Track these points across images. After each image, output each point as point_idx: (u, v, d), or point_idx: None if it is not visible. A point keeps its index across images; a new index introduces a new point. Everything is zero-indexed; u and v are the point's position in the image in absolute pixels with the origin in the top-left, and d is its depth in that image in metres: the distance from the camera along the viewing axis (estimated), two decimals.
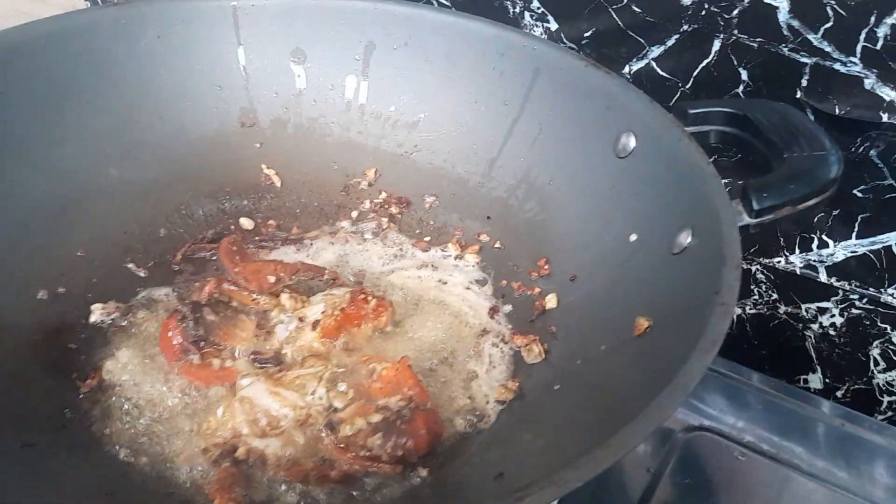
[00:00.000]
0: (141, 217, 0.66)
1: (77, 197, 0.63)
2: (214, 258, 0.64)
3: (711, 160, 0.52)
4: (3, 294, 0.54)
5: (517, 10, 0.85)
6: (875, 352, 0.84)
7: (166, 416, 0.49)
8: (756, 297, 0.89)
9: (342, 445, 0.46)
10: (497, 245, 0.67)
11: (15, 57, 0.62)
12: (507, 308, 0.62)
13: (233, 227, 0.69)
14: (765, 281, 0.88)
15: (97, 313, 0.58)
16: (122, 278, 0.62)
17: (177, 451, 0.47)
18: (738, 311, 0.91)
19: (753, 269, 0.87)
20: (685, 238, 0.50)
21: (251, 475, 0.46)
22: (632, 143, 0.59)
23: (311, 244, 0.67)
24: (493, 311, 0.61)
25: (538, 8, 0.86)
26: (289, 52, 0.74)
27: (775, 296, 0.88)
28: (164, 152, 0.69)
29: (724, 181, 0.51)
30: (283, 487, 0.45)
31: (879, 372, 0.85)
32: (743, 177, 0.75)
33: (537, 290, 0.61)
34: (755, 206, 0.49)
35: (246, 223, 0.69)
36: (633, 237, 0.56)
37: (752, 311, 0.90)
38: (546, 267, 0.62)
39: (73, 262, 0.61)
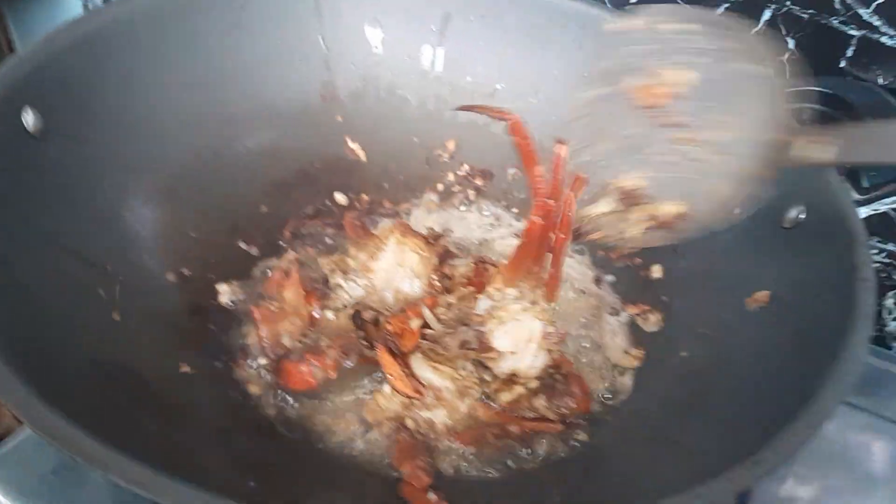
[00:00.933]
0: (240, 194, 0.67)
1: (177, 176, 0.63)
2: (323, 233, 0.66)
3: None
4: (141, 280, 0.55)
5: None
6: (889, 301, 0.91)
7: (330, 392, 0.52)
8: None
9: (505, 411, 0.50)
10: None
11: (111, 34, 0.60)
12: (610, 278, 0.66)
13: (328, 202, 0.70)
14: None
15: (225, 295, 0.59)
16: (236, 257, 0.63)
17: (348, 428, 0.50)
18: None
19: None
20: (797, 213, 0.54)
21: (428, 444, 0.49)
22: None
23: (409, 215, 0.69)
24: (598, 281, 0.65)
25: None
26: (366, 21, 0.74)
27: None
28: (253, 128, 0.69)
29: None
30: (461, 453, 0.49)
31: (892, 320, 0.93)
32: None
33: (638, 260, 0.65)
34: (864, 184, 0.53)
35: (340, 198, 0.71)
36: (737, 210, 0.60)
37: None
38: None
39: (189, 243, 0.61)
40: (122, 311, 0.52)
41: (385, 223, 0.67)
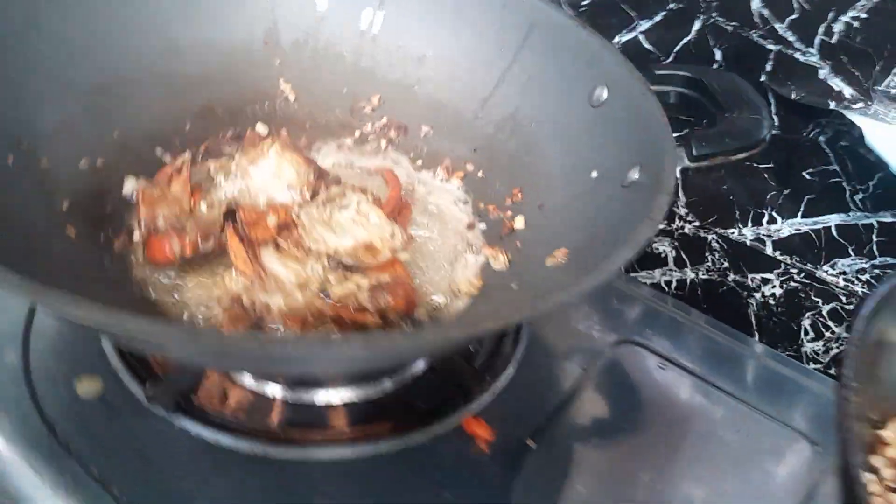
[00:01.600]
0: (170, 110, 0.74)
1: (115, 83, 0.71)
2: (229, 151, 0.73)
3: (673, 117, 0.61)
4: (55, 160, 0.63)
5: None
6: (806, 322, 0.94)
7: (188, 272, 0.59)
8: (709, 263, 0.99)
9: (335, 303, 0.56)
10: (480, 174, 0.77)
11: None
12: (482, 226, 0.72)
13: (249, 130, 0.78)
14: (718, 250, 0.97)
15: (129, 185, 0.66)
16: (150, 161, 0.71)
17: (195, 298, 0.57)
18: (692, 275, 1.01)
19: (710, 237, 0.97)
20: (634, 174, 0.60)
21: (259, 322, 0.56)
22: (604, 94, 0.68)
23: (318, 152, 0.76)
24: (470, 227, 0.71)
25: None
26: None
27: (726, 264, 0.97)
28: (195, 55, 0.77)
29: (676, 134, 0.61)
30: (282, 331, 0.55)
31: (808, 341, 0.96)
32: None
33: (509, 213, 0.72)
34: (694, 152, 0.59)
35: (261, 128, 0.78)
36: (595, 174, 0.66)
37: (704, 277, 1.00)
38: (519, 195, 0.72)
39: (109, 141, 0.69)
40: (20, 178, 0.59)
41: None
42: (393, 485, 0.55)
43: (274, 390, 0.61)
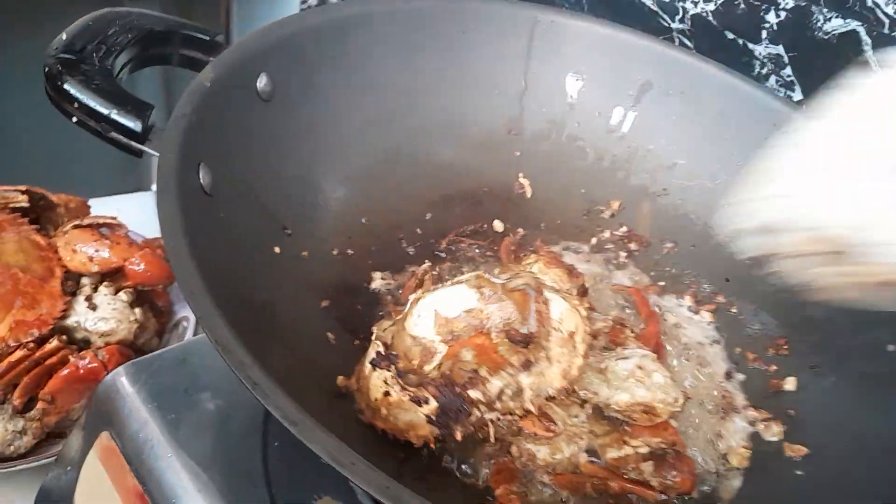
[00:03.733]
0: (412, 198, 0.72)
1: (367, 167, 0.69)
2: (474, 251, 0.69)
3: None
4: (311, 247, 0.61)
5: (765, 71, 0.86)
6: None
7: None
8: None
9: (609, 468, 0.51)
10: (733, 310, 0.70)
11: (347, 25, 0.68)
12: (741, 377, 0.65)
13: (485, 226, 0.74)
14: None
15: (377, 282, 0.64)
16: (394, 252, 0.68)
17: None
18: None
19: None
20: None
21: (526, 474, 0.51)
22: None
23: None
24: (728, 376, 0.64)
25: (789, 75, 0.87)
26: (569, 71, 0.78)
27: None
28: (439, 141, 0.75)
29: None
30: (556, 496, 0.50)
31: None
32: None
33: (773, 367, 0.64)
34: None
35: (498, 226, 0.74)
36: (892, 347, 0.58)
37: None
38: (785, 347, 0.65)
39: (358, 228, 0.67)
40: (286, 269, 0.57)
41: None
42: None
43: None
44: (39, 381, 0.65)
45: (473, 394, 0.50)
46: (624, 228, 0.77)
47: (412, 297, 0.55)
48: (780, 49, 0.85)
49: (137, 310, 0.72)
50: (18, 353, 0.62)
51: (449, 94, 0.75)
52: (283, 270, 0.57)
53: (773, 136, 0.72)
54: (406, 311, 0.55)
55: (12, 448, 0.64)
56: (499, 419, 0.51)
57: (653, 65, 0.77)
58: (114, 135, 0.53)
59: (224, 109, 0.55)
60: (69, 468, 0.61)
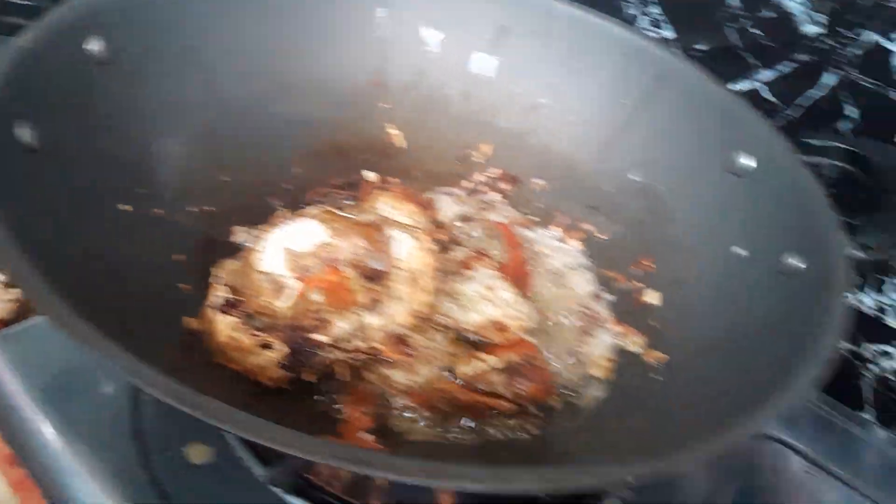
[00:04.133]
0: (279, 155, 0.72)
1: (226, 125, 0.68)
2: (339, 202, 0.70)
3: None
4: (167, 205, 0.61)
5: (634, 11, 0.88)
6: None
7: None
8: None
9: (463, 383, 0.52)
10: (602, 236, 0.72)
11: None
12: (610, 297, 0.67)
13: (357, 178, 0.74)
14: None
15: (239, 235, 0.64)
16: (260, 207, 0.67)
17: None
18: None
19: None
20: (792, 260, 0.55)
21: (383, 397, 0.52)
22: (749, 163, 0.63)
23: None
24: (596, 298, 0.66)
25: (657, 14, 0.89)
26: (426, 23, 0.79)
27: None
28: (303, 99, 0.74)
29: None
30: (409, 415, 0.51)
31: None
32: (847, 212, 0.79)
33: (639, 284, 0.67)
34: (865, 241, 0.54)
35: (370, 176, 0.74)
36: (741, 251, 0.61)
37: None
38: (651, 265, 0.67)
39: (220, 186, 0.66)
40: (135, 226, 0.57)
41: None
42: None
43: None
44: None
45: (319, 337, 0.51)
46: (496, 170, 0.78)
47: (254, 233, 0.55)
48: None
49: (12, 290, 0.71)
50: None
51: (308, 53, 0.75)
52: (131, 227, 0.56)
53: (628, 69, 0.75)
54: (251, 247, 0.55)
55: None
56: (348, 357, 0.52)
57: (505, 8, 0.78)
58: None
59: (49, 70, 0.54)
60: None
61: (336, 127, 0.76)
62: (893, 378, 0.88)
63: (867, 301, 0.88)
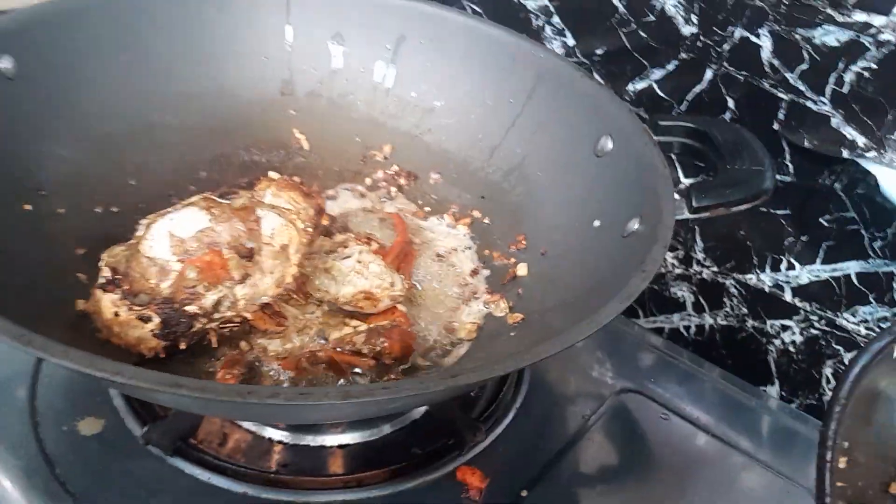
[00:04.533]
0: (185, 159, 0.77)
1: (129, 132, 0.73)
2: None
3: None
4: (72, 207, 0.66)
5: (540, 23, 0.95)
6: (828, 371, 0.92)
7: None
8: (728, 309, 0.98)
9: (331, 347, 0.57)
10: (486, 220, 0.78)
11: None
12: (486, 272, 0.73)
13: (262, 178, 0.80)
14: (736, 295, 0.96)
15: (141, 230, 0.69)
16: (163, 207, 0.73)
17: None
18: (711, 321, 1.00)
19: (728, 283, 0.96)
20: (634, 224, 0.60)
21: (254, 363, 0.57)
22: (609, 145, 0.69)
23: (330, 199, 0.78)
24: (474, 273, 0.72)
25: (559, 23, 0.96)
26: (330, 34, 0.85)
27: (745, 310, 0.96)
28: (209, 106, 0.80)
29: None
30: (275, 376, 0.56)
31: (830, 390, 0.93)
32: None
33: (512, 260, 0.72)
34: (694, 204, 0.59)
35: (274, 175, 0.80)
36: (597, 223, 0.66)
37: (723, 323, 0.98)
38: (523, 242, 0.73)
39: (125, 188, 0.72)
40: (37, 223, 0.62)
41: None
42: None
43: (272, 433, 0.62)
44: None
45: (191, 308, 0.56)
46: (395, 167, 0.84)
47: (144, 223, 0.61)
48: (546, 0, 0.94)
49: None
50: None
51: (216, 64, 0.81)
52: (34, 223, 0.62)
53: (514, 70, 0.81)
54: (140, 235, 0.60)
55: None
56: (220, 327, 0.57)
57: (403, 18, 0.84)
58: None
59: None
60: None
61: (244, 132, 0.82)
62: (793, 349, 0.92)
63: (766, 280, 0.93)
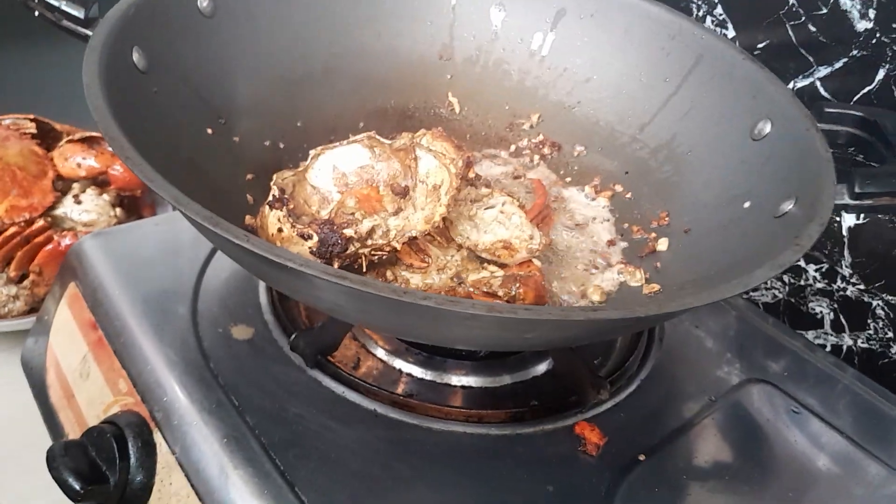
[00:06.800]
0: (348, 109, 0.82)
1: (307, 77, 0.80)
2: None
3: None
4: (246, 137, 0.72)
5: (701, 13, 0.93)
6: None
7: None
8: (871, 331, 0.92)
9: (468, 287, 0.60)
10: (628, 195, 0.78)
11: None
12: (623, 244, 0.73)
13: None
14: (883, 318, 0.91)
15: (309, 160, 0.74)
16: None
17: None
18: (850, 342, 0.94)
19: (875, 303, 0.91)
20: (788, 205, 0.58)
21: None
22: (767, 128, 0.67)
23: (479, 163, 0.81)
24: (611, 243, 0.72)
25: (720, 14, 0.94)
26: (493, 3, 0.88)
27: (890, 334, 0.90)
28: (376, 62, 0.85)
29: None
30: None
31: None
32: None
33: (653, 234, 0.72)
34: (856, 189, 0.56)
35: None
36: (747, 203, 0.65)
37: (864, 345, 0.93)
38: (666, 219, 0.72)
39: (292, 128, 0.78)
40: (217, 145, 0.69)
41: None
42: (499, 467, 0.57)
43: (402, 365, 0.65)
44: (32, 257, 0.78)
45: (348, 231, 0.60)
46: (540, 136, 0.85)
47: (312, 153, 0.65)
48: None
49: (118, 209, 0.85)
50: (12, 230, 0.76)
51: (385, 24, 0.86)
52: (213, 145, 0.69)
53: (672, 49, 0.81)
54: (308, 164, 0.65)
55: (6, 310, 0.77)
56: (371, 253, 0.61)
57: None
58: (65, 23, 0.65)
59: (162, 13, 0.67)
60: (46, 319, 0.74)
61: (403, 91, 0.86)
62: None
63: None
